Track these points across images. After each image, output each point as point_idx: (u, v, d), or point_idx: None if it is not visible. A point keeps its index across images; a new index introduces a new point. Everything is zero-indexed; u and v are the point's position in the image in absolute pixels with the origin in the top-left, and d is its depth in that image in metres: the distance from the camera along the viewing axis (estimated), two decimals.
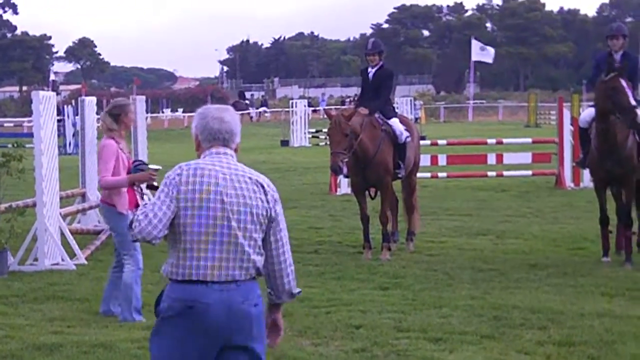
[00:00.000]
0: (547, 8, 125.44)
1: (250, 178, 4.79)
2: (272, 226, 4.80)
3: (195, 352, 4.59)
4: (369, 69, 13.36)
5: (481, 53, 72.52)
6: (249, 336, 4.65)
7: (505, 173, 21.92)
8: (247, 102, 77.27)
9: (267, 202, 4.79)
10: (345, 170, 12.84)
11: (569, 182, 21.05)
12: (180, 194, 4.64)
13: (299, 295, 5.02)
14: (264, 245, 4.79)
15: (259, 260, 4.72)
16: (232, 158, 4.86)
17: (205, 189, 4.64)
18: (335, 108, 73.56)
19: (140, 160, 9.33)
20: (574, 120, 20.47)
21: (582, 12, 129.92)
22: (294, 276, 4.91)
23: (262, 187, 4.80)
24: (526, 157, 22.40)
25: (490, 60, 74.09)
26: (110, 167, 9.13)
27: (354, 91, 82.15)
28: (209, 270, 4.59)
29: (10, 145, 12.78)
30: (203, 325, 4.56)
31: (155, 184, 8.93)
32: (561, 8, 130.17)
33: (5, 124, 52.78)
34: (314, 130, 43.04)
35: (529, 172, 22.03)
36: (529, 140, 25.60)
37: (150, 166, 9.26)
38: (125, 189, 9.18)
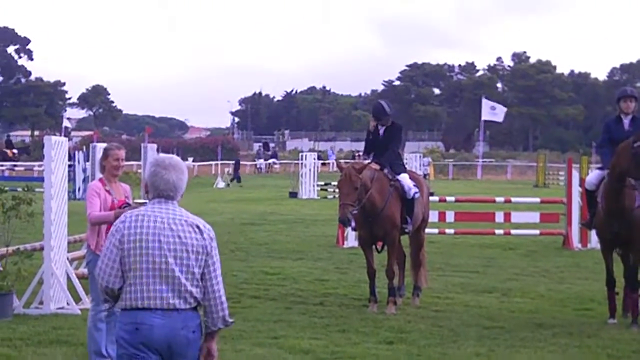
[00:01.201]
0: (558, 70, 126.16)
1: (186, 221, 5.55)
2: (206, 260, 5.53)
3: (141, 356, 5.37)
4: (379, 126, 13.42)
5: (491, 112, 72.85)
6: (185, 357, 5.43)
7: (513, 231, 21.89)
8: (269, 153, 77.41)
9: (204, 239, 5.55)
10: (353, 223, 12.86)
11: (576, 243, 21.01)
12: (124, 237, 5.44)
13: (230, 326, 5.65)
14: (201, 277, 5.50)
15: (196, 291, 5.46)
16: (172, 206, 5.59)
17: (144, 232, 5.42)
18: (346, 162, 73.73)
19: (127, 203, 9.44)
20: (582, 182, 20.50)
21: (592, 75, 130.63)
22: (226, 306, 5.58)
23: (198, 227, 5.56)
24: (534, 217, 22.39)
25: (500, 120, 74.42)
26: (94, 203, 9.31)
27: None
28: (152, 300, 5.38)
29: (20, 189, 12.83)
30: (148, 344, 5.36)
31: None
32: (572, 71, 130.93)
33: (17, 168, 53.07)
34: (322, 183, 43.11)
35: (537, 232, 22.00)
36: (537, 200, 25.59)
37: (136, 201, 9.42)
38: (103, 231, 9.27)
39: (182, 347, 5.40)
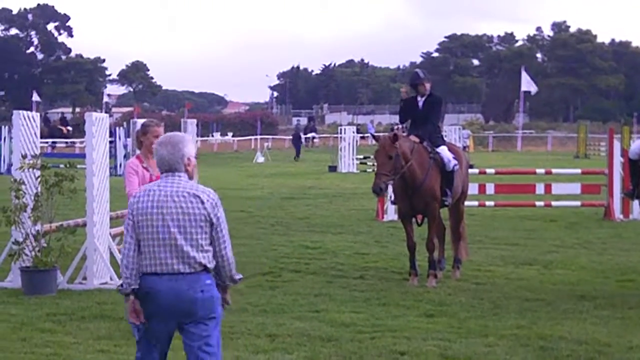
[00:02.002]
0: (599, 40, 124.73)
1: (188, 192, 6.01)
2: (211, 227, 6.02)
3: (158, 327, 5.98)
4: (418, 98, 13.37)
5: (530, 82, 72.37)
6: (196, 316, 5.96)
7: (553, 203, 21.76)
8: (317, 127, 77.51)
9: (205, 208, 5.99)
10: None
11: (618, 214, 20.86)
12: (134, 212, 6.01)
13: (239, 282, 6.30)
14: (210, 242, 6.03)
15: (202, 256, 5.96)
16: (179, 178, 6.07)
17: (149, 205, 5.97)
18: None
19: None
20: (624, 152, 20.31)
21: (633, 44, 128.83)
22: (234, 266, 6.15)
23: (199, 197, 6.01)
24: (575, 188, 22.23)
25: (533, 91, 73.99)
26: (133, 181, 9.31)
27: None
28: (158, 265, 5.94)
29: (62, 166, 12.95)
30: (157, 307, 5.92)
31: None
32: (612, 40, 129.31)
33: (58, 145, 53.53)
34: (362, 156, 43.11)
35: (578, 203, 21.85)
36: (578, 171, 25.40)
37: None
38: None
39: (189, 306, 5.93)
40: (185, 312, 5.94)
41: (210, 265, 6.01)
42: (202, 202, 5.99)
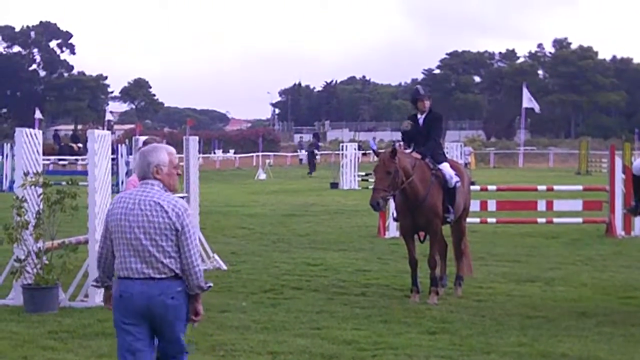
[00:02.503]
0: (600, 56, 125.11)
1: (154, 201, 6.25)
2: (177, 235, 6.23)
3: (134, 331, 6.24)
4: (418, 115, 13.41)
5: (531, 100, 72.54)
6: (167, 320, 6.23)
7: (555, 220, 21.76)
8: (320, 143, 77.10)
9: (169, 217, 6.21)
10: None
11: (619, 231, 20.85)
12: (109, 217, 6.36)
13: (209, 289, 6.44)
14: (178, 250, 6.23)
15: (170, 262, 6.21)
16: (150, 187, 6.34)
17: (119, 212, 6.28)
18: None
19: None
20: (625, 169, 20.32)
21: (635, 60, 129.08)
22: (201, 275, 6.30)
23: (162, 206, 6.23)
24: (577, 205, 22.22)
25: (536, 109, 74.14)
26: None
27: None
28: (129, 270, 6.22)
29: (64, 183, 12.96)
30: (131, 310, 6.22)
31: None
32: (614, 56, 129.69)
33: (60, 162, 53.52)
34: (363, 173, 43.10)
35: (580, 220, 21.85)
36: (580, 187, 25.40)
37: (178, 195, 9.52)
38: None
39: (161, 311, 6.21)
40: (156, 315, 6.22)
41: (179, 272, 6.25)
42: (166, 212, 6.23)
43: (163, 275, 6.21)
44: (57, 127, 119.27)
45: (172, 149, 6.69)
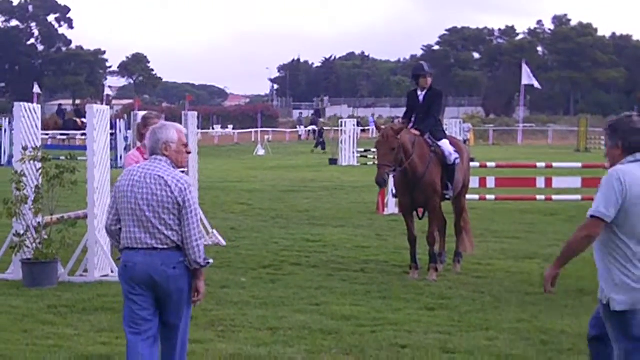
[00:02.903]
0: (600, 33, 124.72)
1: (159, 176, 6.47)
2: (179, 210, 6.43)
3: (139, 300, 6.48)
4: (418, 92, 13.36)
5: (531, 77, 72.42)
6: (168, 290, 6.44)
7: (554, 197, 21.74)
8: (322, 119, 76.77)
9: (172, 192, 6.42)
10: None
11: None
12: (117, 189, 6.59)
13: (208, 265, 6.56)
14: (180, 223, 6.43)
15: (172, 234, 6.41)
16: (158, 162, 6.56)
17: (126, 184, 6.51)
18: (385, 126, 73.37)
19: None
20: None
21: (634, 37, 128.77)
22: (200, 249, 6.45)
23: (166, 182, 6.44)
24: (576, 182, 22.18)
25: (538, 84, 74.01)
26: None
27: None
28: (133, 241, 6.46)
29: (63, 158, 12.94)
30: (135, 279, 6.46)
31: None
32: (613, 33, 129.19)
33: (58, 137, 53.43)
34: (362, 149, 43.10)
35: (579, 197, 21.82)
36: (579, 164, 25.38)
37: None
38: None
39: (163, 280, 6.42)
40: (158, 284, 6.43)
41: (181, 244, 6.45)
42: (169, 186, 6.44)
43: (165, 246, 6.42)
44: (58, 102, 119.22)
45: (182, 128, 6.86)
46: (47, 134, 48.88)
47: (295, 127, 79.04)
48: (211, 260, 6.63)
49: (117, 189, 6.58)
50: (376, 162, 12.76)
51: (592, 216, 6.18)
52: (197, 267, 6.49)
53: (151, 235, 6.41)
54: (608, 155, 6.49)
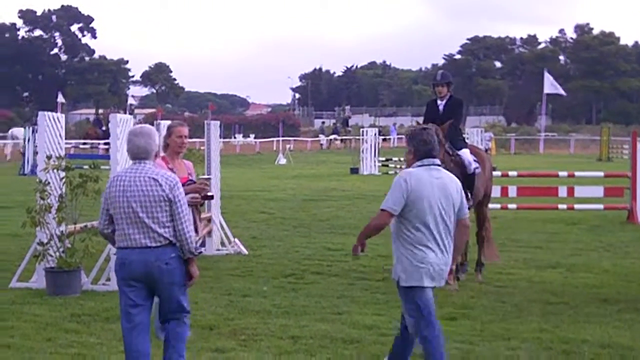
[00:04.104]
0: (622, 42, 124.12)
1: (149, 177, 7.04)
2: (170, 206, 7.01)
3: (133, 295, 7.10)
4: (438, 101, 13.37)
5: (554, 86, 72.18)
6: (163, 283, 7.06)
7: (576, 206, 21.69)
8: (349, 129, 76.67)
9: (163, 190, 7.00)
10: None
11: None
12: (107, 194, 7.16)
13: (200, 255, 7.32)
14: (171, 219, 7.02)
15: (164, 231, 7.00)
16: (145, 166, 7.12)
17: (116, 189, 7.07)
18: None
19: (191, 180, 9.53)
20: None
21: None
22: (192, 240, 7.09)
23: (157, 180, 7.01)
24: (598, 191, 22.14)
25: (562, 92, 73.78)
26: None
27: None
28: (128, 241, 7.05)
29: (86, 167, 13.02)
30: (131, 276, 7.05)
31: (210, 193, 9.26)
32: (636, 42, 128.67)
33: (82, 146, 53.67)
34: (383, 158, 43.05)
35: (601, 206, 21.78)
36: (601, 174, 25.30)
37: (201, 177, 9.61)
38: None
39: (158, 275, 7.02)
40: (153, 279, 7.04)
41: (173, 239, 7.04)
42: (160, 185, 7.01)
43: (158, 244, 7.02)
44: (77, 112, 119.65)
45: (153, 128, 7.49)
46: (69, 143, 49.08)
47: (317, 136, 79.00)
48: (202, 250, 7.18)
49: (107, 195, 7.16)
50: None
51: (382, 210, 7.57)
52: (190, 257, 7.15)
53: (145, 235, 7.00)
54: (406, 158, 7.78)
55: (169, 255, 7.04)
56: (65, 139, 13.76)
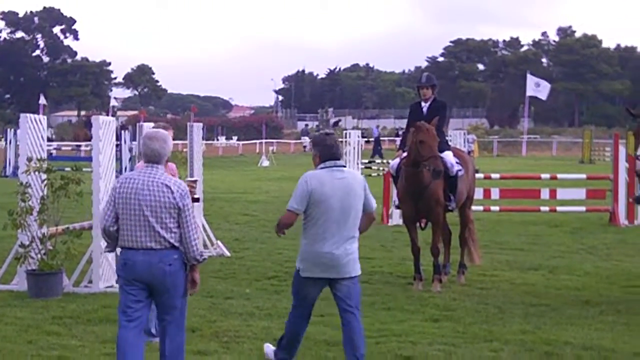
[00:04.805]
0: (604, 45, 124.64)
1: (162, 182, 7.17)
2: (179, 213, 7.14)
3: (134, 293, 7.19)
4: (422, 104, 13.40)
5: (536, 89, 72.43)
6: (165, 285, 7.16)
7: (558, 208, 21.76)
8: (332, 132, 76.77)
9: (174, 198, 7.13)
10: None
11: (623, 219, 20.85)
12: (117, 193, 7.22)
13: (205, 261, 7.42)
14: (178, 225, 7.14)
15: (170, 236, 7.11)
16: (156, 170, 7.23)
17: (128, 191, 7.15)
18: (389, 139, 73.59)
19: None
20: (629, 157, 20.30)
21: (639, 49, 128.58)
22: (197, 247, 7.19)
23: (170, 187, 7.15)
24: (580, 193, 22.23)
25: (544, 97, 73.96)
26: None
27: None
28: (133, 242, 7.14)
29: (68, 169, 12.96)
30: (134, 276, 7.16)
31: (195, 196, 9.26)
32: (618, 45, 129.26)
33: (63, 148, 53.46)
34: (366, 161, 43.04)
35: (583, 208, 21.86)
36: (583, 176, 25.40)
37: (187, 179, 9.62)
38: None
39: (160, 276, 7.13)
40: (155, 279, 7.14)
41: (177, 244, 7.15)
42: (172, 192, 7.14)
43: (162, 246, 7.13)
44: (60, 113, 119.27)
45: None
46: (50, 145, 48.91)
47: (300, 139, 78.98)
48: (207, 257, 7.21)
49: (117, 194, 7.21)
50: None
51: (288, 209, 8.10)
52: (195, 263, 7.24)
53: (150, 238, 7.11)
54: (313, 161, 8.30)
55: (172, 257, 7.16)
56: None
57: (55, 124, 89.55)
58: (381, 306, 11.45)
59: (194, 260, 7.22)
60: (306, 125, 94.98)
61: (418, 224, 13.28)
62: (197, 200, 9.62)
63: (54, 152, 48.56)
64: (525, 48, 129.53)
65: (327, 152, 8.18)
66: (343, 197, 8.02)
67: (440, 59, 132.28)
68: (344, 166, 8.27)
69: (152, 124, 10.72)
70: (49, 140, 57.53)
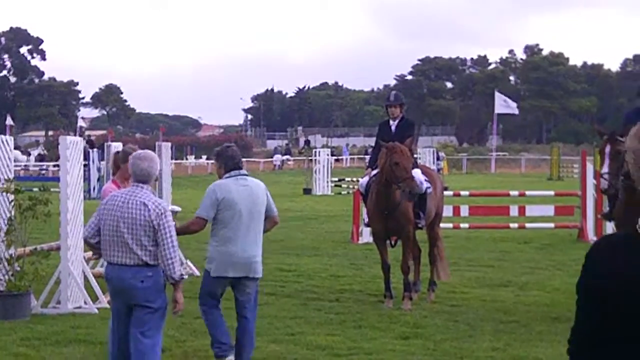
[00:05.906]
0: (571, 62, 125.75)
1: (141, 201, 7.39)
2: (155, 231, 7.34)
3: (118, 305, 7.60)
4: (391, 122, 13.45)
5: (505, 105, 72.88)
6: (137, 301, 7.41)
7: (527, 225, 21.86)
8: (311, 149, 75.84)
9: (149, 216, 7.34)
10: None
11: (591, 235, 20.96)
12: (101, 209, 7.58)
13: (183, 280, 7.56)
14: (155, 243, 7.35)
15: (144, 254, 7.34)
16: (141, 189, 7.49)
17: (110, 208, 7.48)
18: (358, 158, 73.74)
19: None
20: (597, 174, 20.45)
21: (605, 66, 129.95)
22: (174, 266, 7.36)
23: (147, 206, 7.36)
24: (549, 210, 22.35)
25: (516, 111, 74.42)
26: None
27: None
28: (111, 257, 7.48)
29: (36, 189, 12.87)
30: (112, 288, 7.65)
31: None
32: (585, 62, 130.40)
33: (31, 168, 53.14)
34: (336, 179, 43.12)
35: (552, 225, 21.97)
36: (552, 193, 25.54)
37: (171, 208, 9.62)
38: None
39: (131, 291, 7.40)
40: (128, 295, 7.43)
41: (151, 262, 7.37)
42: (149, 210, 7.36)
43: (135, 263, 7.37)
44: (27, 134, 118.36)
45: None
46: (18, 165, 48.58)
47: (270, 157, 78.88)
48: (186, 276, 7.56)
49: (102, 210, 7.56)
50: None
51: (196, 216, 8.81)
52: (172, 282, 7.42)
53: (124, 254, 7.37)
54: (217, 173, 9.07)
55: (145, 274, 7.37)
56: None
57: (23, 145, 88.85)
58: (352, 324, 11.44)
59: (170, 279, 7.40)
60: (279, 146, 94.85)
61: (388, 242, 13.30)
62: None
63: (21, 172, 48.19)
64: (493, 66, 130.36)
65: (230, 162, 8.90)
66: (249, 203, 8.76)
67: (409, 77, 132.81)
68: (247, 175, 9.01)
69: (120, 144, 10.67)
70: (41, 159, 57.05)
